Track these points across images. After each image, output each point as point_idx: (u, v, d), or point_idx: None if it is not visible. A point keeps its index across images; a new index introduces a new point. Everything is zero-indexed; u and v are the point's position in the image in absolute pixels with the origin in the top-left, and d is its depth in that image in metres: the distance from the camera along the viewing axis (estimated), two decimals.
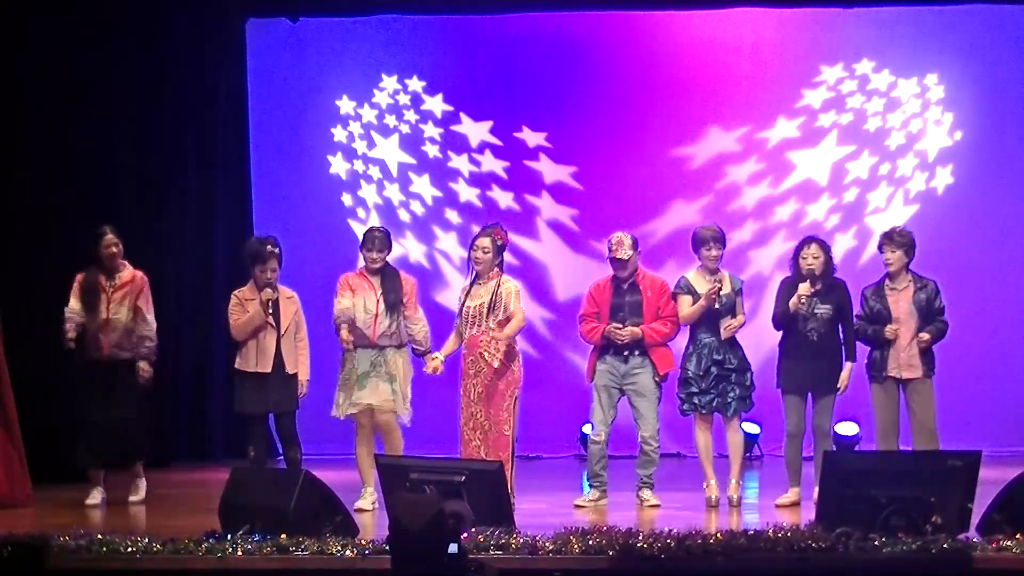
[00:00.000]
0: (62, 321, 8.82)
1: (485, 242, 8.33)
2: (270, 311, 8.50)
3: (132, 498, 8.94)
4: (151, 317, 8.95)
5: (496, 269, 8.37)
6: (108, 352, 8.85)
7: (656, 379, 8.65)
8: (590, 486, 8.74)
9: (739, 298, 8.74)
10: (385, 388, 8.38)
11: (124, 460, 8.96)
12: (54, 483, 9.36)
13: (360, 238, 8.66)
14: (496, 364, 8.23)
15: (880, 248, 8.63)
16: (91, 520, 8.19)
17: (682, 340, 8.84)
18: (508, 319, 8.23)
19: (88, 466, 8.93)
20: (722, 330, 8.62)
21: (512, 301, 8.28)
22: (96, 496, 8.89)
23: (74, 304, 8.85)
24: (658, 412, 8.67)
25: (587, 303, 8.77)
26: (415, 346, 8.53)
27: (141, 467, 9.06)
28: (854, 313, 8.61)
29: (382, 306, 8.40)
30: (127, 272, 8.96)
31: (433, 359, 8.38)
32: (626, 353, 8.62)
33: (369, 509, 8.22)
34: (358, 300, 8.42)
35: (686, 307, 8.66)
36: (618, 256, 8.63)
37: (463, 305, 8.32)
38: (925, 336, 8.44)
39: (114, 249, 8.90)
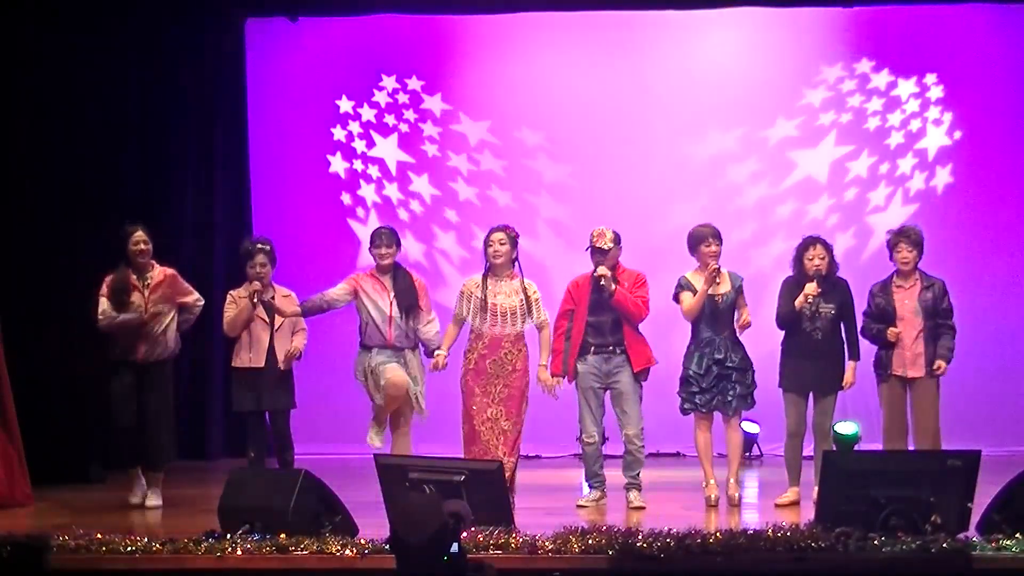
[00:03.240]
0: (96, 328, 8.74)
1: (500, 235, 8.38)
2: (255, 301, 8.51)
3: (133, 500, 8.90)
4: (195, 300, 8.91)
5: (516, 267, 8.39)
6: (143, 356, 8.76)
7: (635, 375, 8.62)
8: (590, 487, 8.73)
9: (740, 296, 8.71)
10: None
11: (149, 463, 8.90)
12: (54, 483, 9.38)
13: (359, 238, 8.67)
14: (519, 366, 8.26)
15: (893, 246, 8.59)
16: (147, 520, 8.32)
17: (683, 339, 8.84)
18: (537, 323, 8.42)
19: (125, 467, 8.94)
20: (736, 327, 8.60)
21: (540, 307, 8.38)
22: (139, 495, 8.86)
23: (104, 306, 8.70)
24: (641, 410, 8.64)
25: (564, 300, 8.74)
26: (426, 345, 8.55)
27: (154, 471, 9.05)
28: (861, 310, 8.60)
29: (395, 309, 8.43)
30: (158, 271, 8.85)
31: (437, 355, 8.38)
32: (607, 352, 8.59)
33: (380, 446, 8.40)
34: (371, 302, 8.44)
35: (688, 301, 8.64)
36: (598, 245, 8.59)
37: (485, 300, 8.29)
38: (942, 365, 8.45)
39: (143, 247, 8.78)
